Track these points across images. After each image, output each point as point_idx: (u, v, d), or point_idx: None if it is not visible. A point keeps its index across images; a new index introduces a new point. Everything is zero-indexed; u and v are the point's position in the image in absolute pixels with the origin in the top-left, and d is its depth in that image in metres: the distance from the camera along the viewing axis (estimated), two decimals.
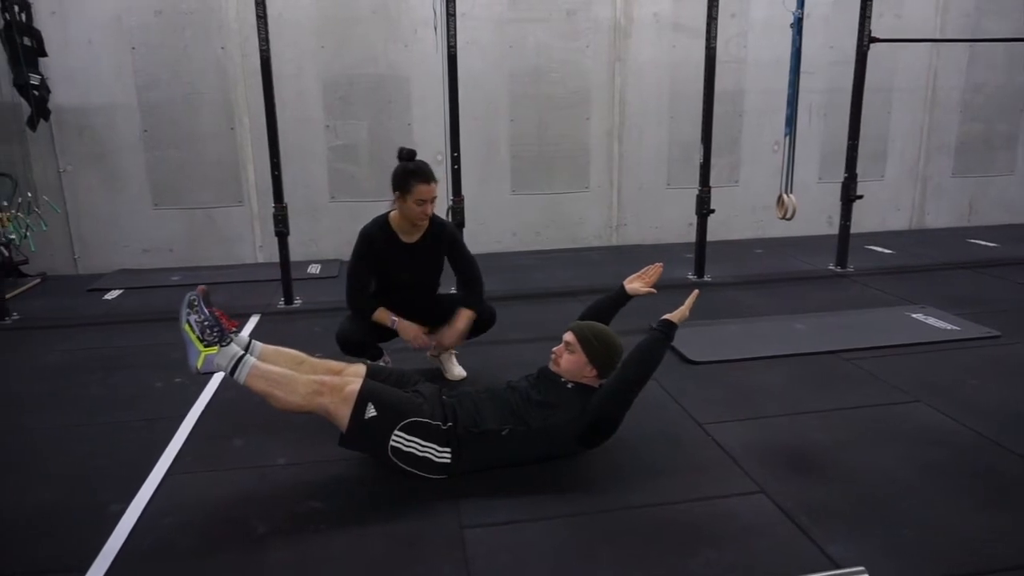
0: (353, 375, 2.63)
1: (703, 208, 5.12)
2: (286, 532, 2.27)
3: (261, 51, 4.33)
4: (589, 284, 5.16)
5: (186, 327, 2.51)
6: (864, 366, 3.53)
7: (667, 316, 2.62)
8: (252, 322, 4.41)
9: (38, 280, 5.49)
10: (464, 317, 3.31)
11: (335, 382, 2.52)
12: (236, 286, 5.25)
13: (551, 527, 2.29)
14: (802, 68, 4.96)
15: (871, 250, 6.08)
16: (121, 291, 5.21)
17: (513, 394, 2.64)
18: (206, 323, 2.51)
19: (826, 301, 4.69)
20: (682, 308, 2.65)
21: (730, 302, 4.71)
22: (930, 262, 5.67)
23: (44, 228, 5.03)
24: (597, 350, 2.62)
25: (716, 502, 2.41)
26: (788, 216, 5.08)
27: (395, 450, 2.47)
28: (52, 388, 3.45)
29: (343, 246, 6.04)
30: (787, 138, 5.03)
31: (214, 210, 5.86)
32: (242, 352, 2.51)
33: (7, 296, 4.58)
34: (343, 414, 2.46)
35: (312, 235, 5.96)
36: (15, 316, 4.53)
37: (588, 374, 2.63)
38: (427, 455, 2.48)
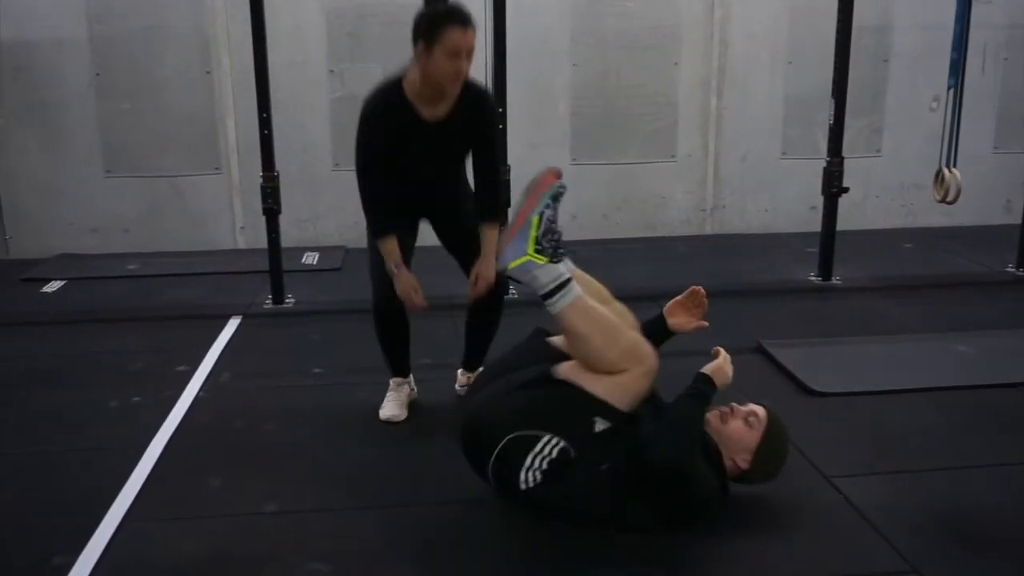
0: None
1: (833, 186, 5.04)
2: None
3: None
4: (675, 286, 4.97)
5: (536, 219, 2.59)
6: None
7: (704, 370, 2.65)
8: (231, 326, 4.50)
9: None
10: (492, 240, 3.21)
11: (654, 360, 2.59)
12: (209, 279, 5.35)
13: None
14: None
15: None
16: (63, 282, 5.35)
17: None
18: (552, 226, 2.60)
19: (1003, 315, 4.59)
20: (719, 363, 2.67)
21: (867, 314, 4.64)
22: None
23: None
24: (770, 451, 2.66)
25: None
26: (950, 199, 4.97)
27: (511, 444, 2.51)
28: None
29: (348, 229, 6.13)
30: (951, 92, 4.92)
31: (183, 179, 6.00)
32: (569, 276, 2.59)
33: None
34: (608, 388, 2.51)
35: (310, 214, 6.05)
36: None
37: (739, 459, 2.64)
38: (518, 473, 2.51)
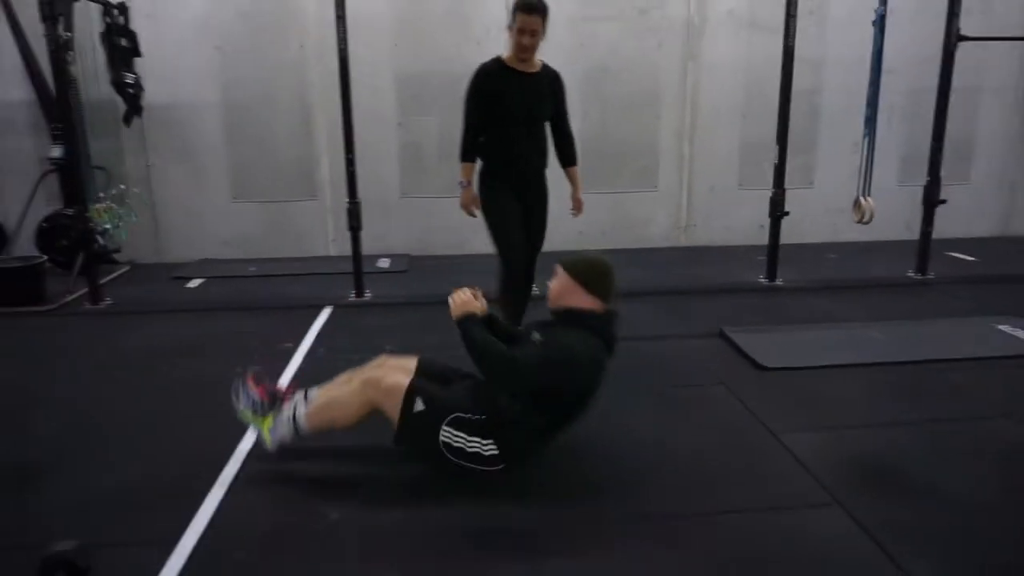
0: (398, 368, 2.62)
1: (777, 211, 4.97)
2: (359, 520, 2.32)
3: (340, 50, 4.43)
4: (654, 285, 5.09)
5: (244, 412, 2.67)
6: (948, 378, 3.38)
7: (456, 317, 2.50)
8: (324, 314, 4.52)
9: (127, 268, 5.76)
10: (575, 175, 3.69)
11: (375, 376, 2.54)
12: (309, 278, 5.38)
13: (609, 531, 2.27)
14: (884, 67, 4.77)
15: (953, 257, 5.81)
16: (202, 280, 5.41)
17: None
18: (256, 396, 2.66)
19: (905, 309, 4.50)
20: (453, 305, 2.52)
21: (803, 307, 4.57)
22: (1018, 271, 5.37)
23: (135, 219, 5.28)
24: (581, 269, 2.48)
25: (788, 513, 2.34)
26: (865, 220, 4.90)
27: (446, 445, 2.43)
28: (142, 371, 3.61)
29: (412, 242, 6.15)
30: (866, 139, 4.85)
31: (289, 204, 6.03)
32: (292, 410, 2.61)
33: (100, 282, 4.83)
34: (391, 407, 2.46)
35: (382, 230, 6.06)
36: (108, 301, 4.76)
37: (584, 301, 2.46)
38: (475, 450, 2.43)
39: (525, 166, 3.52)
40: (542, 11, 3.27)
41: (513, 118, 3.43)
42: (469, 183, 3.54)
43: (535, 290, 3.82)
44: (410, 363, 2.68)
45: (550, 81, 3.50)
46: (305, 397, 2.66)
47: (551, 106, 3.52)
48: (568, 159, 3.67)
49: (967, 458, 2.67)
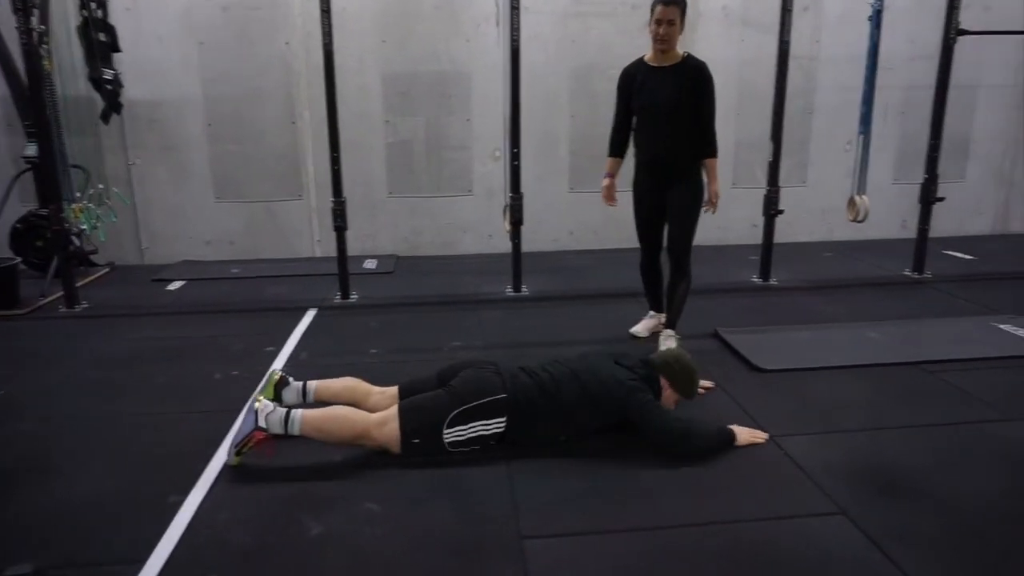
0: (390, 398, 2.80)
1: (771, 208, 4.90)
2: (340, 534, 2.21)
3: (324, 45, 4.32)
4: None
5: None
6: (949, 380, 3.30)
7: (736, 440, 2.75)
8: (308, 317, 4.41)
9: (106, 269, 5.63)
10: (713, 167, 3.64)
11: (373, 422, 2.62)
12: (293, 280, 5.27)
13: (615, 541, 2.17)
14: (880, 64, 4.71)
15: (950, 255, 5.75)
16: (184, 282, 5.28)
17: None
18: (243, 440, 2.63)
19: (902, 309, 4.43)
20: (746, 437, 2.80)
21: (798, 307, 4.49)
22: (1016, 269, 5.31)
23: (114, 219, 5.16)
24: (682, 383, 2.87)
25: (792, 522, 2.25)
26: (860, 218, 4.84)
27: (453, 444, 2.62)
28: (119, 377, 3.49)
29: (400, 242, 6.04)
30: (861, 137, 4.78)
31: (274, 204, 5.91)
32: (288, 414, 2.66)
33: (77, 285, 4.69)
34: (393, 446, 2.62)
35: (369, 230, 5.95)
36: (84, 304, 4.63)
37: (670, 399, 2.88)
38: (479, 433, 2.63)
39: (652, 156, 3.66)
40: (679, 2, 3.40)
41: (641, 112, 3.62)
42: (607, 175, 3.84)
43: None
44: (393, 391, 2.85)
45: (686, 72, 3.52)
46: (304, 389, 2.91)
47: (683, 98, 3.51)
48: (705, 148, 3.64)
49: (970, 462, 2.59)
